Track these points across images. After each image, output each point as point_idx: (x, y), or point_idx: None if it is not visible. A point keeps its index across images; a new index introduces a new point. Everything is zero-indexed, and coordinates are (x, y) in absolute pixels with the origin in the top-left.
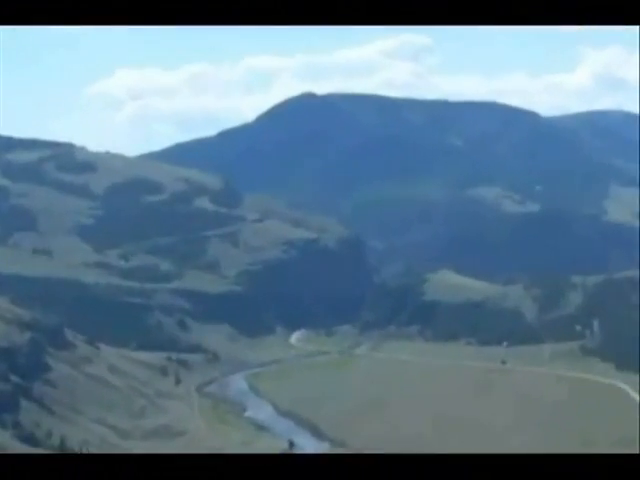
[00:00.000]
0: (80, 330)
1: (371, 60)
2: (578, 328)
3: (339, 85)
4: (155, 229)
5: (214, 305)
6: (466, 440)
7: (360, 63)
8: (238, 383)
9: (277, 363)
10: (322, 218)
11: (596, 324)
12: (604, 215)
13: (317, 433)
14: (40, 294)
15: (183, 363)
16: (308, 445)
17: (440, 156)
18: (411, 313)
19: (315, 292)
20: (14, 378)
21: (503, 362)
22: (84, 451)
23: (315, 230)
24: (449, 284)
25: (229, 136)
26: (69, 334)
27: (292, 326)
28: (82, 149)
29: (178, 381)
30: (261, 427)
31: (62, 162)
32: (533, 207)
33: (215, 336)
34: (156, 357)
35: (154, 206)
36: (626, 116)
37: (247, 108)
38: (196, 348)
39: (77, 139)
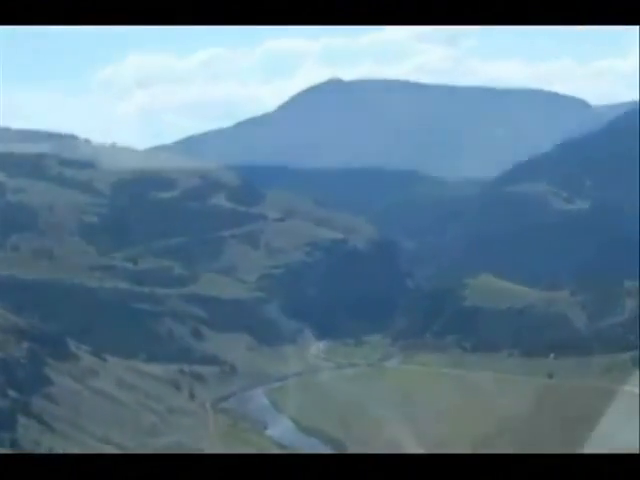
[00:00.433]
0: (84, 340)
1: (402, 43)
2: (632, 338)
3: (367, 71)
4: (166, 229)
5: (231, 312)
6: None
7: (390, 47)
8: (258, 398)
9: (301, 376)
10: (350, 217)
11: None
12: None
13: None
14: (40, 299)
15: (197, 376)
16: None
17: (478, 148)
18: (448, 321)
19: (342, 298)
20: (11, 393)
21: (549, 376)
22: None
23: (342, 230)
24: (489, 289)
25: (248, 127)
26: (72, 344)
27: (317, 335)
28: (86, 142)
29: (192, 396)
30: (283, 446)
31: (64, 155)
32: (582, 204)
33: (233, 346)
34: (168, 369)
35: (165, 204)
36: None
37: (267, 96)
38: (212, 359)
39: (80, 130)
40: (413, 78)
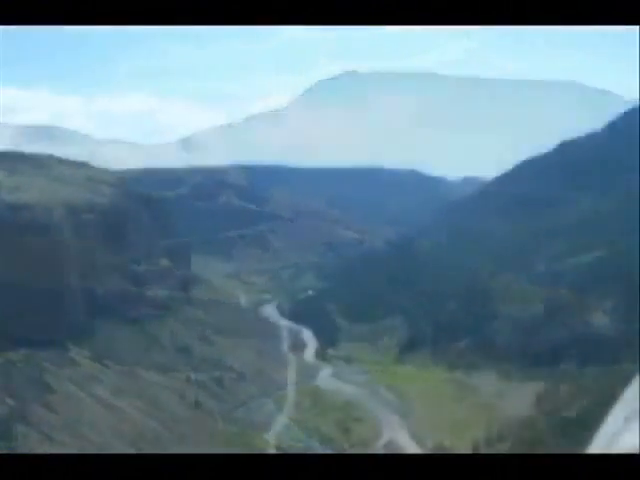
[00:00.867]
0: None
1: (421, 34)
2: None
3: (382, 63)
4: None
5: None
6: None
7: (408, 37)
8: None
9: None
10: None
11: None
12: None
13: None
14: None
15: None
16: None
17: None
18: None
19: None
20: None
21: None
22: None
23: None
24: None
25: (258, 121)
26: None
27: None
28: (86, 136)
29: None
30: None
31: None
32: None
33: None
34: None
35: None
36: None
37: (278, 88)
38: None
39: (80, 124)
40: (433, 69)
